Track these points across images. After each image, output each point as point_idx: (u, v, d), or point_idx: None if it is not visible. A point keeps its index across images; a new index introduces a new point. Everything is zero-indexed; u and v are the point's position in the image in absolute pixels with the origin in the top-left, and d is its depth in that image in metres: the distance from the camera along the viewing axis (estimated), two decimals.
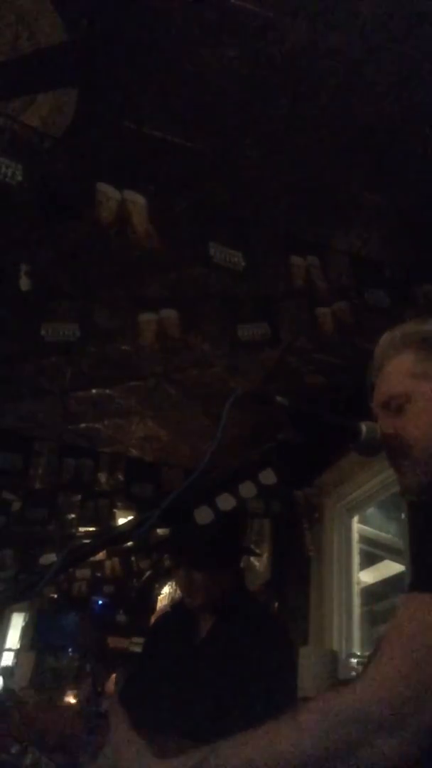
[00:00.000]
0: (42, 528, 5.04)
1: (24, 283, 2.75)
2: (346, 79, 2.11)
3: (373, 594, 3.93)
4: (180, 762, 0.86)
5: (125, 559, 6.71)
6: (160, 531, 3.36)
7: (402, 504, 3.46)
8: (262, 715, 0.83)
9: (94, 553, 0.95)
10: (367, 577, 4.00)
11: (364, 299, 2.55)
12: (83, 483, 4.21)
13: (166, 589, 7.71)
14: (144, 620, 7.78)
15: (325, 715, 0.78)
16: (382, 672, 0.78)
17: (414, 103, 2.17)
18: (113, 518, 4.96)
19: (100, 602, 7.95)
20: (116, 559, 6.68)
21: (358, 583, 3.97)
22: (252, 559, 4.95)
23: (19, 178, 1.96)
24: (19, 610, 8.54)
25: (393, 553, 3.82)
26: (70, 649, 7.72)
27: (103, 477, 4.69)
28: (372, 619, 3.87)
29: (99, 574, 7.03)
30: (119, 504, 4.86)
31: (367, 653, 3.46)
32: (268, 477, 0.92)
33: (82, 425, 4.56)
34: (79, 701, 6.83)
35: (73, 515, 5.39)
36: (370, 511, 4.17)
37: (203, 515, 0.89)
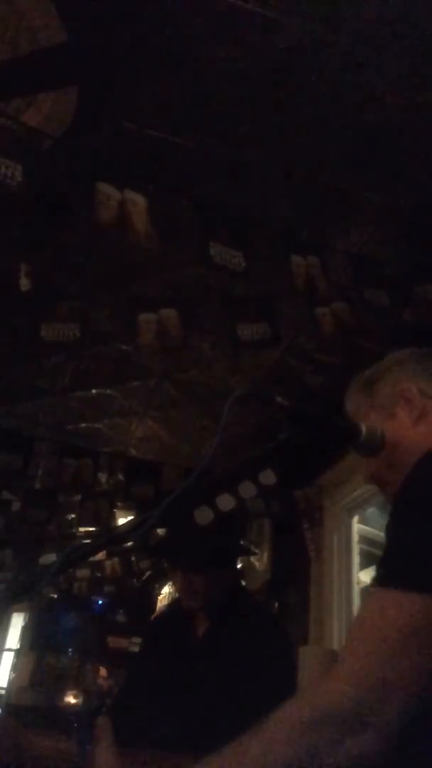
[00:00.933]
0: (42, 528, 5.05)
1: (24, 283, 2.75)
2: (347, 79, 2.11)
3: None
4: None
5: (125, 559, 6.70)
6: (160, 531, 3.35)
7: None
8: (259, 715, 0.82)
9: (94, 553, 0.95)
10: (367, 577, 4.00)
11: (364, 299, 2.55)
12: (83, 483, 4.21)
13: (166, 589, 7.71)
14: (144, 620, 7.77)
15: (290, 723, 0.77)
16: (342, 672, 0.78)
17: (415, 102, 2.17)
18: (113, 518, 4.96)
19: (100, 602, 7.95)
20: (116, 559, 6.68)
21: (358, 583, 3.97)
22: (252, 559, 4.95)
23: (19, 178, 1.96)
24: (19, 610, 8.53)
25: None
26: (70, 649, 7.72)
27: (103, 477, 4.69)
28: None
29: (99, 574, 7.03)
30: (119, 504, 4.86)
31: None
32: (268, 477, 0.92)
33: (82, 425, 4.55)
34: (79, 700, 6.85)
35: (73, 515, 5.38)
36: (370, 511, 4.17)
37: (203, 515, 0.89)
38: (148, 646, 1.90)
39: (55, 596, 7.78)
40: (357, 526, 4.15)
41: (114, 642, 7.64)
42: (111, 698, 6.51)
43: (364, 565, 4.04)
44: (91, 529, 5.11)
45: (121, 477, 4.52)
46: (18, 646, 8.29)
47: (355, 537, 4.12)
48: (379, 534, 4.11)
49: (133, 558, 6.77)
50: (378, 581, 0.84)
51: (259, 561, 4.97)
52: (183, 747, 1.08)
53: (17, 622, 8.63)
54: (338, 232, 2.72)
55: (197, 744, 0.95)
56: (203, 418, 4.23)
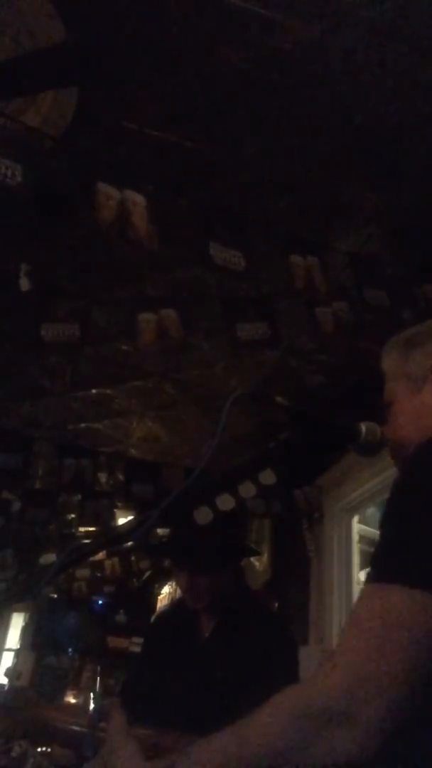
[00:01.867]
0: (42, 528, 5.05)
1: (24, 283, 2.75)
2: (347, 79, 2.11)
3: None
4: (154, 766, 0.87)
5: (125, 559, 6.71)
6: (160, 531, 3.35)
7: None
8: None
9: (94, 553, 0.95)
10: None
11: (364, 299, 2.55)
12: (83, 483, 4.21)
13: (166, 589, 7.71)
14: (144, 620, 7.77)
15: (279, 712, 0.78)
16: (333, 665, 0.78)
17: (414, 102, 2.17)
18: (113, 518, 4.96)
19: (100, 602, 7.95)
20: (116, 559, 6.68)
21: (358, 583, 3.97)
22: (252, 559, 4.95)
23: (19, 178, 1.96)
24: (19, 610, 8.53)
25: None
26: (70, 649, 7.72)
27: (103, 477, 4.69)
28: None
29: (99, 574, 7.03)
30: (119, 504, 4.86)
31: None
32: (267, 477, 0.92)
33: (82, 425, 4.55)
34: (79, 700, 6.84)
35: (73, 515, 5.38)
36: (370, 511, 4.17)
37: (203, 515, 0.89)
38: (151, 645, 1.90)
39: (55, 596, 7.78)
40: (357, 526, 4.15)
41: (114, 642, 7.64)
42: (108, 698, 6.51)
43: (364, 565, 4.04)
44: (91, 529, 5.12)
45: (121, 477, 4.52)
46: (18, 646, 8.29)
47: (355, 537, 4.12)
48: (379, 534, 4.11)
49: (133, 558, 6.77)
50: (372, 576, 0.84)
51: (259, 561, 4.97)
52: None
53: (17, 622, 8.63)
54: (338, 232, 2.73)
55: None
56: (203, 418, 4.23)
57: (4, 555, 6.16)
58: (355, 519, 4.16)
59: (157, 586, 7.87)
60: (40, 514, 4.48)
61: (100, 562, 6.70)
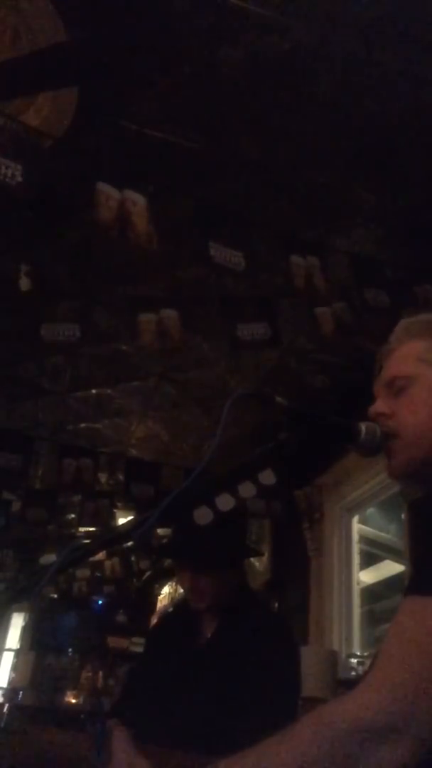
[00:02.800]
0: (42, 528, 5.05)
1: (24, 283, 2.75)
2: (347, 79, 2.11)
3: (373, 594, 3.93)
4: None
5: (125, 559, 6.71)
6: (160, 531, 3.36)
7: (402, 504, 3.46)
8: (268, 714, 0.81)
9: (94, 553, 0.95)
10: (367, 577, 4.00)
11: (364, 299, 2.55)
12: (83, 483, 4.21)
13: (166, 589, 7.71)
14: (144, 620, 7.78)
15: (321, 728, 0.75)
16: (378, 679, 0.76)
17: (414, 102, 2.17)
18: (113, 518, 4.96)
19: (100, 602, 7.95)
20: (116, 559, 6.69)
21: (358, 583, 3.97)
22: (252, 559, 4.95)
23: (19, 178, 1.96)
24: (19, 610, 8.53)
25: (393, 553, 3.82)
26: (70, 649, 7.72)
27: (103, 477, 4.69)
28: (372, 619, 3.87)
29: (99, 574, 7.04)
30: (119, 504, 4.86)
31: (367, 653, 3.46)
32: (267, 477, 0.92)
33: (82, 425, 4.56)
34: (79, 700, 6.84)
35: (73, 515, 5.39)
36: (370, 511, 4.17)
37: (203, 515, 0.89)
38: (154, 646, 1.89)
39: (55, 596, 7.78)
40: (357, 526, 4.15)
41: (114, 642, 7.64)
42: (107, 697, 6.52)
43: (364, 565, 4.04)
44: (91, 529, 5.12)
45: (121, 477, 4.52)
46: (18, 646, 8.29)
47: (355, 537, 4.12)
48: (379, 534, 4.12)
49: (133, 558, 6.78)
50: (412, 588, 0.81)
51: (259, 561, 4.97)
52: (192, 746, 1.08)
53: (17, 622, 8.63)
54: (338, 232, 2.73)
55: (207, 743, 0.95)
56: (203, 418, 4.23)
57: (4, 555, 6.16)
58: (355, 519, 4.16)
59: (157, 586, 7.87)
60: (40, 514, 4.48)
61: (100, 562, 6.70)
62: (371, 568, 4.02)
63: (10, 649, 8.42)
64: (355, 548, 4.09)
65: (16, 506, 4.69)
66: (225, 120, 2.28)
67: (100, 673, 7.27)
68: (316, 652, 3.22)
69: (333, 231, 2.72)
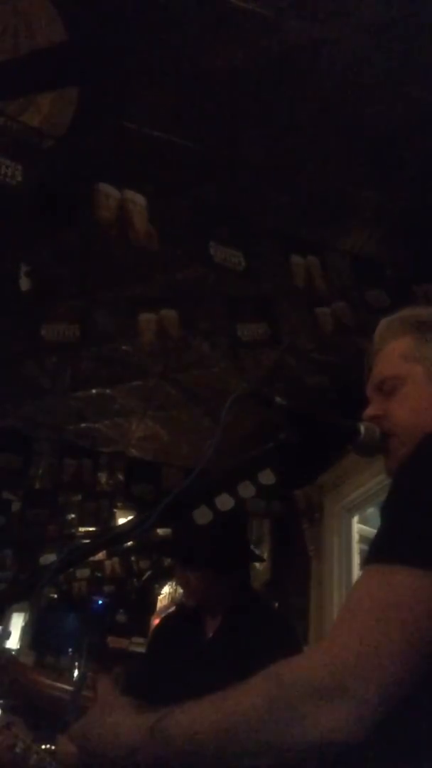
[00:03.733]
0: (42, 528, 5.05)
1: (24, 283, 2.75)
2: (346, 79, 2.11)
3: None
4: (145, 718, 0.84)
5: (125, 559, 6.71)
6: (160, 531, 3.36)
7: None
8: None
9: (94, 553, 0.95)
10: None
11: (364, 299, 2.55)
12: (83, 483, 4.21)
13: (166, 589, 7.70)
14: (144, 620, 7.77)
15: (272, 680, 0.76)
16: (330, 641, 0.76)
17: (414, 102, 2.17)
18: (113, 518, 4.96)
19: (100, 602, 7.95)
20: (116, 559, 6.68)
21: None
22: None
23: (19, 178, 1.96)
24: (19, 610, 8.53)
25: None
26: (70, 649, 7.72)
27: (103, 477, 4.69)
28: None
29: (99, 574, 7.03)
30: (119, 504, 4.86)
31: None
32: (267, 477, 0.92)
33: (82, 425, 4.56)
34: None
35: (73, 515, 5.39)
36: (370, 511, 4.17)
37: (202, 515, 0.89)
38: (155, 647, 1.90)
39: (55, 596, 7.78)
40: (357, 526, 4.15)
41: (114, 642, 7.64)
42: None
43: (364, 565, 4.04)
44: (91, 529, 5.12)
45: (121, 477, 4.52)
46: (18, 646, 8.29)
47: (355, 537, 4.12)
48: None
49: (133, 558, 6.77)
50: (376, 554, 0.81)
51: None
52: None
53: (17, 622, 8.63)
54: (338, 232, 2.73)
55: None
56: (203, 418, 4.23)
57: (4, 555, 6.16)
58: (355, 519, 4.16)
59: (157, 586, 7.86)
60: (40, 514, 4.48)
61: (100, 562, 6.70)
62: None
63: (9, 650, 8.43)
64: (355, 548, 4.08)
65: (16, 506, 4.69)
66: (225, 120, 2.28)
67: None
68: None
69: (333, 231, 2.72)
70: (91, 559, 5.71)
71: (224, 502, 0.91)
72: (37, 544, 6.07)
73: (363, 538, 4.13)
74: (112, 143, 2.33)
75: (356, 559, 4.04)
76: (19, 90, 2.15)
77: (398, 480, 0.88)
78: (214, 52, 2.05)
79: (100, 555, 6.13)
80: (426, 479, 0.83)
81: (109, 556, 6.55)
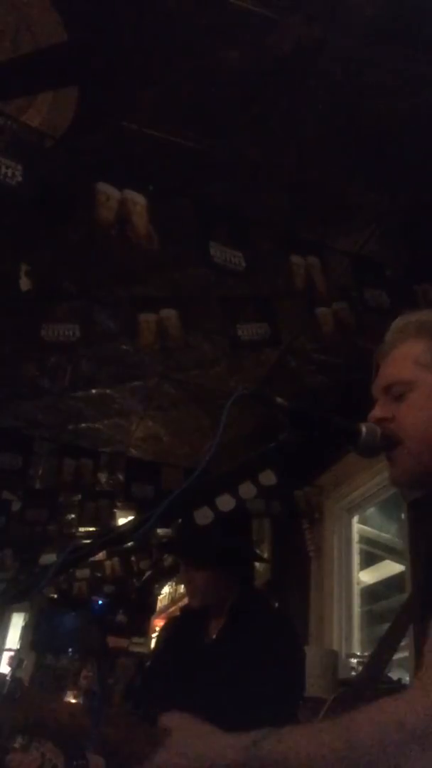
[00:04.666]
0: (42, 528, 5.05)
1: (24, 283, 2.75)
2: (347, 79, 2.11)
3: (373, 594, 3.93)
4: (235, 740, 0.85)
5: (125, 559, 6.71)
6: (160, 531, 3.36)
7: (402, 504, 3.46)
8: (270, 715, 0.81)
9: (94, 553, 0.95)
10: (367, 577, 4.00)
11: (364, 299, 2.55)
12: (83, 483, 4.21)
13: (166, 589, 7.71)
14: (144, 620, 7.78)
15: (376, 724, 0.75)
16: (427, 684, 0.75)
17: (415, 102, 2.17)
18: (113, 518, 4.96)
19: (100, 602, 7.95)
20: (116, 559, 6.68)
21: (358, 583, 3.97)
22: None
23: (19, 178, 1.96)
24: (19, 610, 8.53)
25: (393, 553, 3.82)
26: (70, 649, 7.72)
27: (103, 477, 4.69)
28: (372, 619, 3.87)
29: (99, 574, 7.03)
30: (119, 504, 4.86)
31: (367, 653, 3.46)
32: (267, 477, 0.92)
33: (82, 425, 4.56)
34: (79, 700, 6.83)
35: (73, 515, 5.39)
36: (370, 511, 4.17)
37: (203, 516, 0.89)
38: (160, 649, 1.91)
39: (55, 596, 7.78)
40: (357, 526, 4.15)
41: (114, 642, 7.64)
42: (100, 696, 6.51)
43: (364, 565, 4.04)
44: (91, 529, 5.12)
45: (121, 477, 4.52)
46: (18, 646, 8.29)
47: (355, 537, 4.12)
48: (379, 534, 4.12)
49: (133, 558, 6.77)
50: None
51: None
52: None
53: (17, 622, 8.64)
54: (338, 232, 2.72)
55: None
56: (203, 418, 4.23)
57: (4, 555, 6.16)
58: (355, 519, 4.16)
59: (157, 586, 7.87)
60: (40, 514, 4.48)
61: (100, 562, 6.70)
62: (371, 568, 4.02)
63: (10, 649, 8.43)
64: (355, 548, 4.09)
65: (16, 506, 4.69)
66: (225, 120, 2.28)
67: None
68: (316, 652, 3.22)
69: (333, 231, 2.72)
70: (91, 559, 5.72)
71: (225, 502, 0.91)
72: (37, 544, 6.07)
73: (363, 538, 4.13)
74: (112, 143, 2.33)
75: (356, 559, 4.04)
76: (19, 90, 2.15)
77: None
78: (214, 52, 2.05)
79: (100, 555, 6.13)
80: None
81: (109, 556, 6.55)
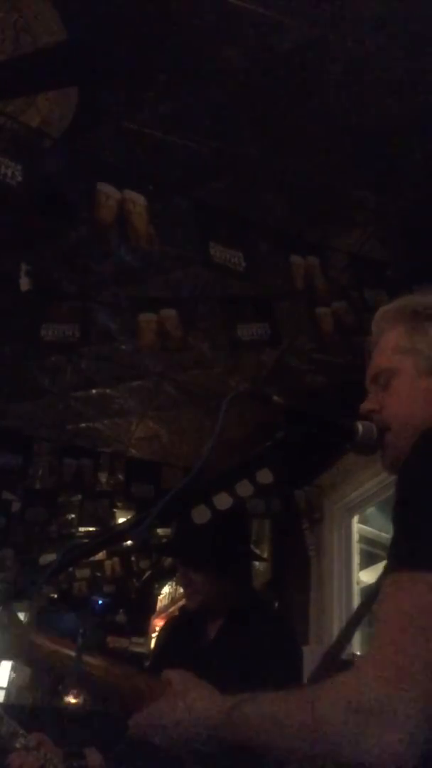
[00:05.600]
0: (42, 528, 5.05)
1: (24, 283, 2.75)
2: (347, 79, 2.11)
3: (374, 594, 3.92)
4: (223, 702, 0.90)
5: (125, 559, 6.71)
6: (160, 531, 3.36)
7: None
8: None
9: (94, 552, 0.95)
10: (367, 577, 3.99)
11: (364, 299, 2.55)
12: (83, 483, 4.21)
13: (166, 589, 7.71)
14: (144, 620, 7.78)
15: (332, 697, 0.76)
16: (372, 659, 0.75)
17: (415, 102, 2.17)
18: (113, 518, 4.96)
19: (100, 602, 7.95)
20: (116, 559, 6.68)
21: (358, 583, 3.97)
22: None
23: (19, 178, 1.96)
24: (19, 610, 8.54)
25: None
26: None
27: (103, 477, 4.69)
28: (372, 619, 3.86)
29: (99, 574, 7.03)
30: (119, 504, 4.86)
31: None
32: (264, 476, 0.92)
33: (82, 425, 4.56)
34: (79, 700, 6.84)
35: (73, 515, 5.39)
36: (370, 511, 4.17)
37: (200, 514, 0.89)
38: (159, 650, 1.91)
39: (55, 596, 7.78)
40: (357, 526, 4.15)
41: (114, 642, 7.64)
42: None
43: (364, 565, 4.04)
44: (91, 529, 5.12)
45: (121, 477, 4.52)
46: None
47: (355, 537, 4.12)
48: (379, 534, 4.11)
49: (133, 558, 6.77)
50: (400, 561, 0.80)
51: (259, 561, 4.97)
52: None
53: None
54: (338, 232, 2.72)
55: None
56: (203, 418, 4.23)
57: (4, 555, 6.16)
58: (355, 519, 4.16)
59: (157, 586, 7.86)
60: (40, 514, 4.48)
61: (100, 562, 6.70)
62: (371, 568, 4.01)
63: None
64: (355, 548, 4.08)
65: (16, 506, 4.69)
66: (225, 120, 2.28)
67: None
68: (316, 652, 3.22)
69: (333, 231, 2.72)
70: (91, 559, 5.71)
71: (222, 501, 0.91)
72: (37, 544, 6.07)
73: (363, 538, 4.13)
74: (112, 143, 2.33)
75: (356, 559, 4.04)
76: (19, 90, 2.15)
77: (402, 482, 0.87)
78: (214, 52, 2.05)
79: (100, 555, 6.14)
80: (428, 480, 0.82)
81: (109, 556, 6.55)
